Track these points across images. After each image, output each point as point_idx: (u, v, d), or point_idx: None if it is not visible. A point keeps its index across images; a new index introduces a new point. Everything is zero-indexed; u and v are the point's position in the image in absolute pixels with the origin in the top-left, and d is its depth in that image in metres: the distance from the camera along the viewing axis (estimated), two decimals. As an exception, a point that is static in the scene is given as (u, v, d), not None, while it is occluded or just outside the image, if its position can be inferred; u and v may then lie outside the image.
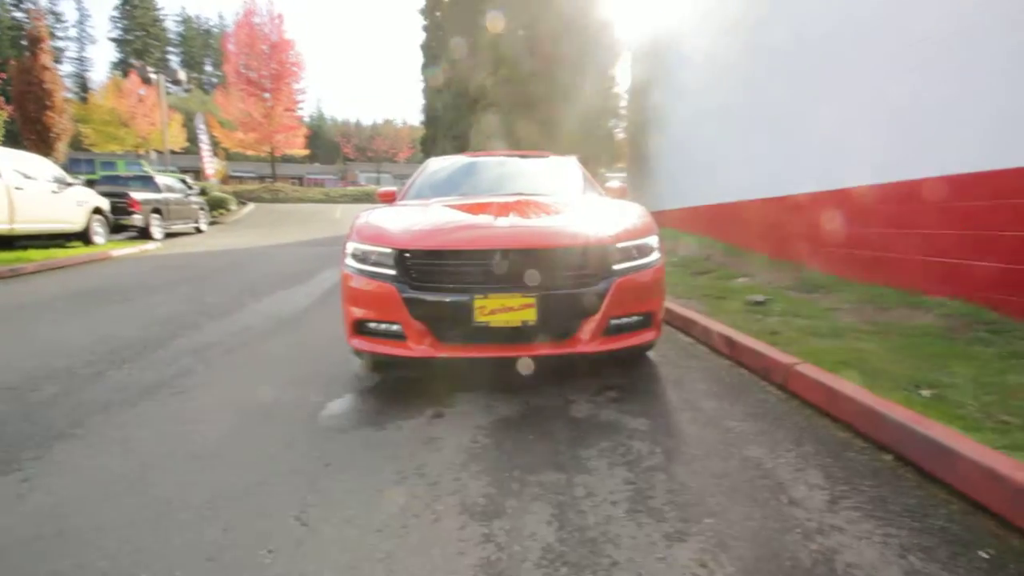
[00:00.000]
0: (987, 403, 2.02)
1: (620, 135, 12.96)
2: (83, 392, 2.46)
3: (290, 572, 1.25)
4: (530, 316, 2.25)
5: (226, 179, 27.09)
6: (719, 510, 1.46)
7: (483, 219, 2.56)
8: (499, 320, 2.25)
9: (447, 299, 2.27)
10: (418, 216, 2.71)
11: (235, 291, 5.24)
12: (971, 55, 3.43)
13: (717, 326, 3.17)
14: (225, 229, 14.41)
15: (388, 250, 2.39)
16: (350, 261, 2.55)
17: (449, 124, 15.13)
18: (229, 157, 31.98)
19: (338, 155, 47.56)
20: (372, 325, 2.43)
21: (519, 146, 11.91)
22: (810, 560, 1.25)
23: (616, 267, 2.39)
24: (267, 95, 27.64)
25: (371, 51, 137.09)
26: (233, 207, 17.87)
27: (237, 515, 1.47)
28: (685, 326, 3.54)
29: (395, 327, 2.37)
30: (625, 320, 2.40)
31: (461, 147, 15.21)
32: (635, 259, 2.46)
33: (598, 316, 2.32)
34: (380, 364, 2.75)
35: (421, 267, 2.34)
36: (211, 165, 21.83)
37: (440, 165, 4.13)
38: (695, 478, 1.64)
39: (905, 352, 2.66)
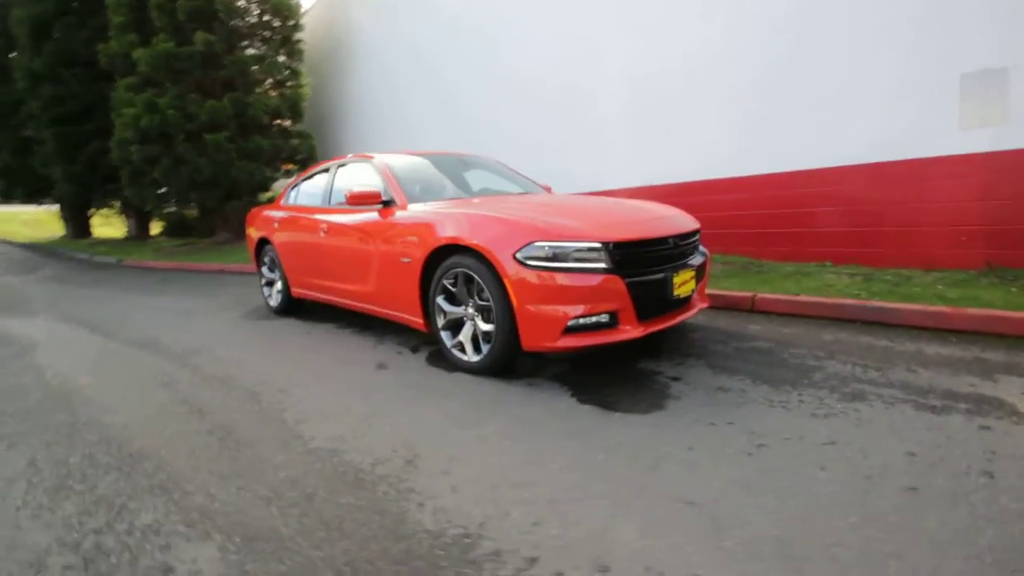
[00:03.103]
0: (830, 292, 4.00)
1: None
2: None
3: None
4: (693, 286, 2.89)
5: None
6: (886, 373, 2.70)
7: (640, 210, 2.98)
8: (682, 292, 2.80)
9: (658, 278, 2.64)
10: (567, 211, 2.83)
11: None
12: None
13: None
14: None
15: (597, 244, 2.50)
16: (537, 264, 2.49)
17: (49, 101, 10.62)
18: None
19: None
20: (581, 321, 2.50)
21: (202, 139, 9.83)
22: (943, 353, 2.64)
23: (699, 245, 3.26)
24: None
25: None
26: None
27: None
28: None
29: (606, 316, 2.53)
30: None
31: (85, 135, 10.90)
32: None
33: (703, 282, 3.15)
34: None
35: (632, 255, 2.59)
36: None
37: (406, 163, 3.82)
38: (838, 364, 2.81)
39: (752, 280, 4.56)
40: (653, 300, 2.66)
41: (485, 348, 2.74)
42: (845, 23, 4.61)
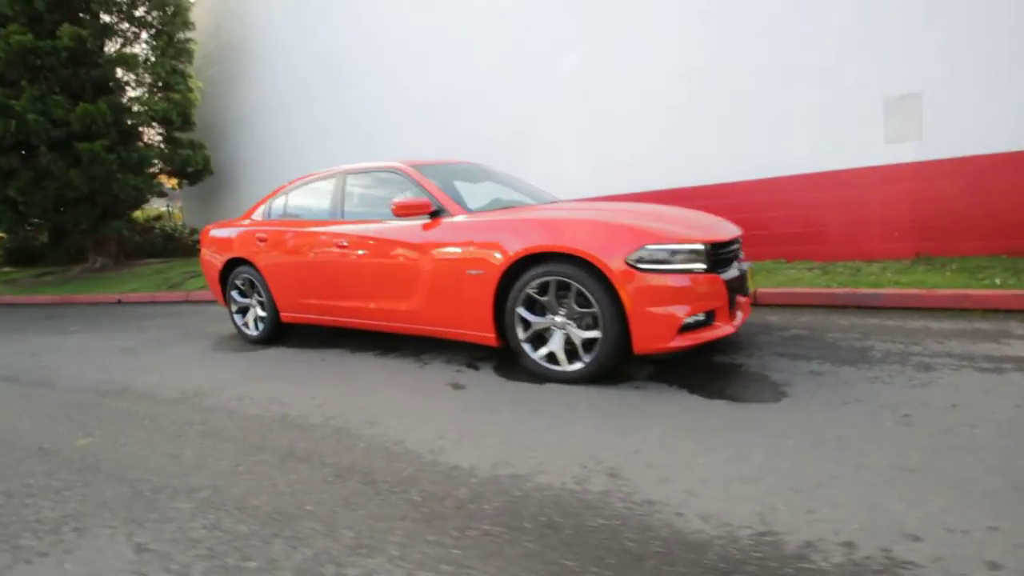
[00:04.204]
0: (801, 283, 4.56)
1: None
2: None
3: None
4: (753, 283, 3.13)
5: None
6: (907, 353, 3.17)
7: (695, 214, 3.12)
8: (751, 286, 3.02)
9: (740, 275, 2.82)
10: (645, 215, 2.89)
11: None
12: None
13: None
14: None
15: (700, 246, 2.62)
16: (647, 267, 2.54)
17: None
18: None
19: None
20: (689, 320, 2.59)
21: (72, 149, 8.30)
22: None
23: (738, 247, 3.54)
24: None
25: None
26: None
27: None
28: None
29: (703, 315, 2.66)
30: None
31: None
32: None
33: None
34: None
35: (721, 256, 2.74)
36: None
37: (435, 172, 3.59)
38: (880, 343, 3.25)
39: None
40: (735, 295, 2.85)
41: (587, 356, 2.70)
42: (801, 52, 5.33)
